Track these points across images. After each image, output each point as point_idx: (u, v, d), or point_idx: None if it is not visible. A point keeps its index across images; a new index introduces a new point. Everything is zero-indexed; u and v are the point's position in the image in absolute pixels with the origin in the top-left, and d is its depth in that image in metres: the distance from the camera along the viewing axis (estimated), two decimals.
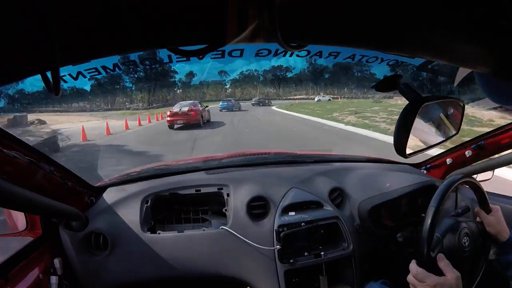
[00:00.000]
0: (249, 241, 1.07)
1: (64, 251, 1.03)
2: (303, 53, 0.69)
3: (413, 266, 0.77)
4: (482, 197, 0.93)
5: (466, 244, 0.87)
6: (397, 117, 0.49)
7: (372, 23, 0.28)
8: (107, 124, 8.88)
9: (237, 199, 1.15)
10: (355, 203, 1.22)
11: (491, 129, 1.15)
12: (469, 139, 1.22)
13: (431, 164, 1.40)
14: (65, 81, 0.58)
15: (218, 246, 1.10)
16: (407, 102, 0.48)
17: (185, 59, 0.50)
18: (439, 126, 0.60)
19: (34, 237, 0.97)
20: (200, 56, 0.33)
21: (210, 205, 1.20)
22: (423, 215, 0.82)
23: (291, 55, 0.69)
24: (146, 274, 1.08)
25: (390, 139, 0.62)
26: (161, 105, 16.32)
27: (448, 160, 1.31)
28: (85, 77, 0.57)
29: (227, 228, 1.09)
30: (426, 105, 0.49)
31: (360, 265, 1.13)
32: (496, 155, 1.17)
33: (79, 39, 0.25)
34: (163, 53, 0.40)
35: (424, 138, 0.59)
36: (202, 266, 1.10)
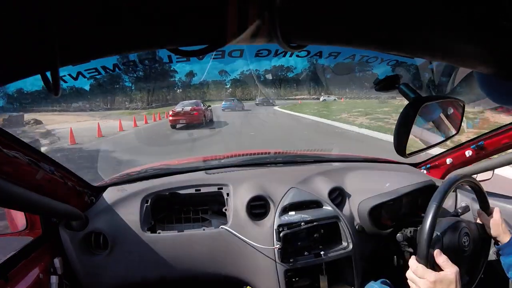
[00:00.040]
0: (249, 241, 1.07)
1: (64, 251, 1.03)
2: (303, 53, 0.68)
3: (412, 262, 0.78)
4: (482, 197, 0.93)
5: (466, 243, 0.87)
6: None
7: (372, 23, 0.28)
8: (98, 125, 8.15)
9: (237, 199, 1.16)
10: (355, 202, 1.22)
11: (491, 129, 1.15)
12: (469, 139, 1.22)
13: (431, 164, 1.40)
14: (64, 81, 0.58)
15: (218, 246, 1.10)
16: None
17: (185, 59, 0.50)
18: (439, 126, 0.60)
19: (34, 237, 0.98)
20: (200, 56, 0.33)
21: (210, 205, 1.20)
22: (423, 215, 0.82)
23: (291, 55, 0.69)
24: (146, 274, 1.08)
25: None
26: (160, 105, 16.34)
27: (448, 160, 1.31)
28: (85, 77, 0.57)
29: (227, 228, 1.09)
30: (426, 105, 0.49)
31: (360, 264, 1.13)
32: (496, 155, 1.17)
33: (79, 39, 0.25)
34: (163, 53, 0.40)
35: (424, 138, 0.59)
36: (202, 265, 1.10)
